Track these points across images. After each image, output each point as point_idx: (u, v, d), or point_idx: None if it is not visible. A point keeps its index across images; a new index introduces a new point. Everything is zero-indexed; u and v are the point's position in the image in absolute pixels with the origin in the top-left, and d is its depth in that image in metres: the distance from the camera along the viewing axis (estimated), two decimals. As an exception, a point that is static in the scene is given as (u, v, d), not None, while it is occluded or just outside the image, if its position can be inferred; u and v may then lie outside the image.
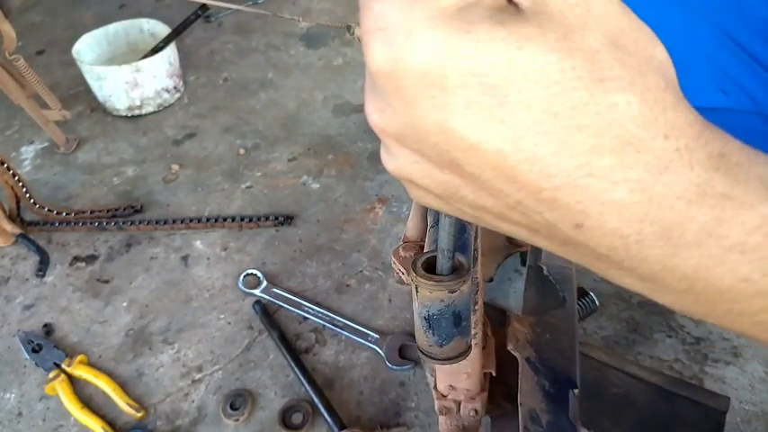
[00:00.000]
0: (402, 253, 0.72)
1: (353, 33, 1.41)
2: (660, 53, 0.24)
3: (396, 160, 0.27)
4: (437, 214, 0.62)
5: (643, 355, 1.00)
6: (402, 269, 0.71)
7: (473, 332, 0.54)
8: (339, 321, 1.08)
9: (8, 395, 1.01)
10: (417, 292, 0.47)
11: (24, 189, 1.27)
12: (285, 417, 0.95)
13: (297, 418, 0.95)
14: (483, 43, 0.22)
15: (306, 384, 0.97)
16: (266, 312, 1.10)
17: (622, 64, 0.22)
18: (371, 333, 1.05)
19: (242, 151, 1.52)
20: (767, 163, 0.24)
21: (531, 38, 0.22)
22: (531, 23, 0.22)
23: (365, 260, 1.21)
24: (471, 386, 0.67)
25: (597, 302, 1.03)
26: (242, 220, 1.29)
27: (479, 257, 0.64)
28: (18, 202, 1.29)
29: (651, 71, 0.23)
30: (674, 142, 0.23)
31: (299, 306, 1.11)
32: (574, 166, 0.23)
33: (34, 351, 1.05)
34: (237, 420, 0.95)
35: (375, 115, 0.26)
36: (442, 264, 0.46)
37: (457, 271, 0.46)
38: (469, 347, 0.52)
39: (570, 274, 0.85)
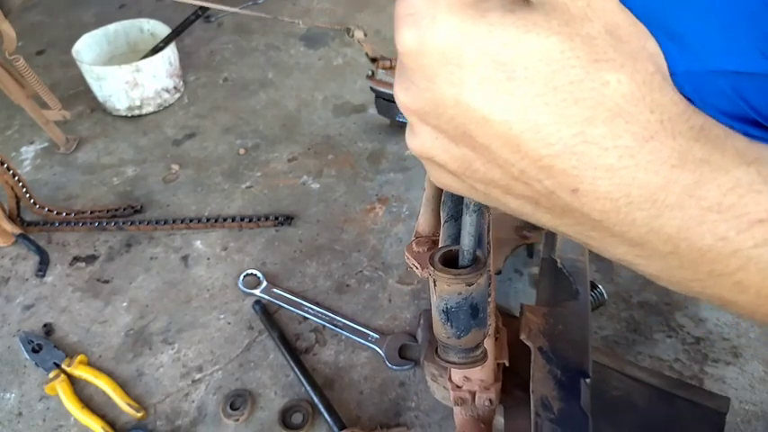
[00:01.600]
0: (415, 248, 0.73)
1: (353, 36, 1.41)
2: (651, 45, 0.28)
3: (418, 138, 0.31)
4: (452, 209, 0.62)
5: (643, 355, 1.00)
6: (416, 264, 0.72)
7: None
8: (339, 321, 1.08)
9: (8, 395, 1.01)
10: (435, 285, 0.48)
11: (24, 189, 1.27)
12: (285, 417, 0.95)
13: (297, 418, 0.95)
14: (495, 27, 0.25)
15: (306, 384, 0.97)
16: (266, 312, 1.10)
17: (616, 49, 0.26)
18: (371, 333, 1.05)
19: (242, 151, 1.52)
20: (742, 138, 0.27)
21: (536, 23, 0.25)
22: (537, 12, 0.26)
23: (365, 260, 1.20)
24: (485, 377, 0.68)
25: (606, 296, 1.05)
26: (242, 220, 1.29)
27: (491, 250, 0.64)
28: (18, 202, 1.29)
29: (642, 58, 0.27)
30: (658, 116, 0.26)
31: (299, 306, 1.11)
32: (570, 134, 0.26)
33: (34, 351, 1.05)
34: (237, 420, 0.95)
35: (402, 94, 0.30)
36: (461, 257, 0.47)
37: (474, 264, 0.47)
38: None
39: (583, 267, 0.88)
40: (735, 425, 0.91)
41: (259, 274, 1.17)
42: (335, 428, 0.91)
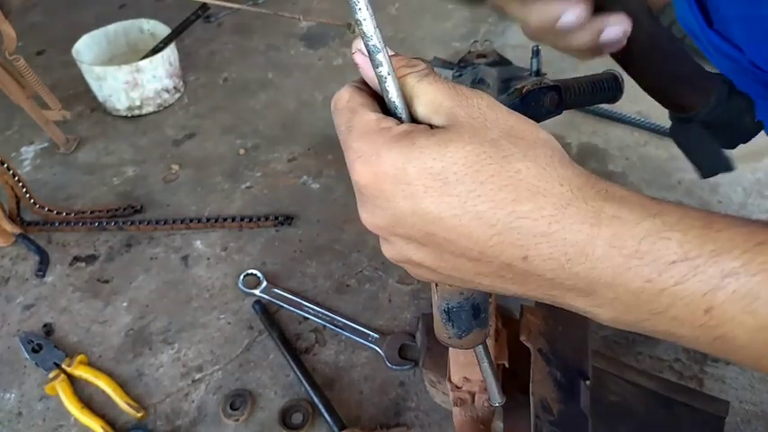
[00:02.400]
0: None
1: (354, 32, 1.41)
2: (543, 134, 0.36)
3: (393, 247, 0.38)
4: None
5: (643, 355, 1.00)
6: None
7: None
8: (339, 321, 1.08)
9: (8, 395, 1.01)
10: (437, 285, 0.50)
11: (24, 189, 1.27)
12: (285, 417, 0.95)
13: (297, 417, 0.95)
14: (424, 148, 0.33)
15: (306, 384, 0.97)
16: (266, 312, 1.10)
17: (516, 145, 0.34)
18: (371, 333, 1.05)
19: (242, 151, 1.52)
20: (642, 195, 0.34)
21: (452, 139, 0.33)
22: (450, 130, 0.34)
23: (365, 260, 1.21)
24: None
25: None
26: (242, 220, 1.29)
27: None
28: (18, 203, 1.29)
29: (538, 146, 0.34)
30: (567, 186, 0.33)
31: (299, 306, 1.11)
32: (505, 214, 0.32)
33: (34, 351, 1.05)
34: (237, 420, 0.95)
35: (369, 218, 0.37)
36: None
37: None
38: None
39: None
40: (735, 425, 0.91)
41: (259, 274, 1.17)
42: (335, 428, 0.91)
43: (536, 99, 0.57)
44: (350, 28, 1.42)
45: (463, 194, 0.33)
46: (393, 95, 0.37)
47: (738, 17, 0.55)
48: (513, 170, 0.33)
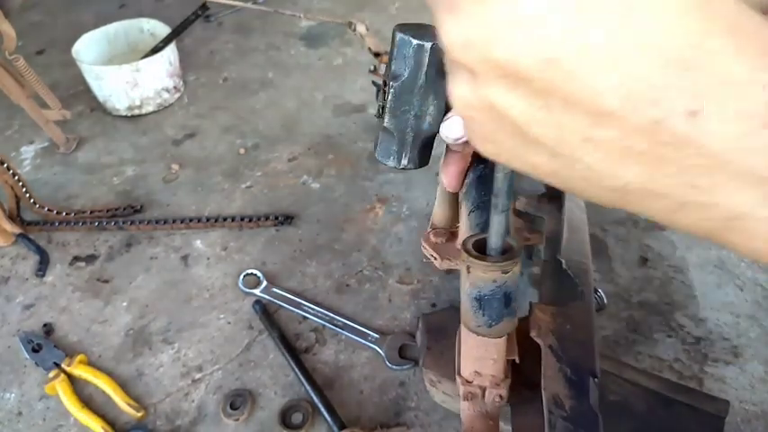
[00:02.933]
0: (433, 239, 0.72)
1: (354, 30, 1.41)
2: None
3: (476, 83, 0.27)
4: (476, 199, 0.62)
5: (643, 355, 1.00)
6: (434, 254, 0.70)
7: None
8: (339, 321, 1.08)
9: (8, 395, 1.01)
10: (469, 272, 0.48)
11: (24, 189, 1.27)
12: (285, 416, 0.95)
13: (297, 417, 0.95)
14: None
15: (306, 384, 0.97)
16: (266, 312, 1.10)
17: None
18: (371, 333, 1.05)
19: (242, 151, 1.52)
20: None
21: None
22: None
23: (365, 260, 1.20)
24: (497, 372, 0.67)
25: (606, 300, 1.06)
26: (242, 219, 1.29)
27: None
28: (18, 202, 1.29)
29: None
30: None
31: (298, 306, 1.11)
32: (688, 45, 0.22)
33: (34, 351, 1.05)
34: (237, 420, 0.95)
35: (462, 32, 0.25)
36: (495, 245, 0.47)
37: (508, 252, 0.46)
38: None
39: (587, 269, 0.86)
40: (735, 425, 0.91)
41: (259, 274, 1.17)
42: (335, 428, 0.91)
43: None
44: (350, 26, 1.42)
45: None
46: None
47: None
48: None
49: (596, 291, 1.02)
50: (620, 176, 0.25)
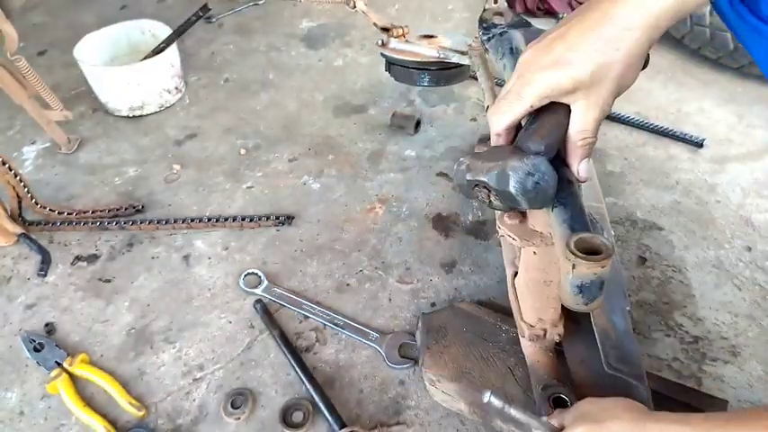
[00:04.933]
0: (508, 221, 0.78)
1: (354, 7, 1.43)
2: None
3: None
4: (564, 193, 0.66)
5: (642, 355, 1.01)
6: (513, 235, 0.77)
7: None
8: (339, 320, 1.08)
9: (10, 394, 1.02)
10: (574, 268, 0.58)
11: (26, 189, 1.28)
12: (286, 415, 0.95)
13: (297, 416, 0.95)
14: None
15: (306, 383, 0.98)
16: (267, 311, 1.10)
17: None
18: (371, 332, 1.06)
19: (243, 151, 1.52)
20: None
21: None
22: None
23: (365, 260, 1.21)
24: (555, 316, 0.83)
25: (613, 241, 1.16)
26: (243, 219, 1.30)
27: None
28: (20, 202, 1.29)
29: None
30: None
31: (299, 305, 1.12)
32: None
33: (36, 350, 1.06)
34: (238, 419, 0.95)
35: None
36: (593, 244, 0.59)
37: (605, 251, 0.57)
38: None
39: (604, 213, 1.08)
40: (733, 423, 0.91)
41: (260, 274, 1.17)
42: (336, 427, 0.92)
43: None
44: (349, 3, 1.43)
45: None
46: None
47: None
48: None
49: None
50: None
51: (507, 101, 0.65)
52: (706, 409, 0.85)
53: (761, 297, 1.10)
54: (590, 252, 0.58)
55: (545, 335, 0.85)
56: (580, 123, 0.63)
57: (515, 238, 0.76)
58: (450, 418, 0.94)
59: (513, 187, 0.61)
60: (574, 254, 0.58)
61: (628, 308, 0.88)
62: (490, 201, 0.64)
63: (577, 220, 0.61)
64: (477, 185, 0.64)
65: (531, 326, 0.85)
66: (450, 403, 0.94)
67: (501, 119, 0.66)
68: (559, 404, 0.79)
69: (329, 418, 0.93)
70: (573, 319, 0.88)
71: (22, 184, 1.26)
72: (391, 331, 1.07)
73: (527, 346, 0.88)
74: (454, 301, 1.10)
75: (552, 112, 0.65)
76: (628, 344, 0.84)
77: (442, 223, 1.29)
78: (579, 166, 0.65)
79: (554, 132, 0.64)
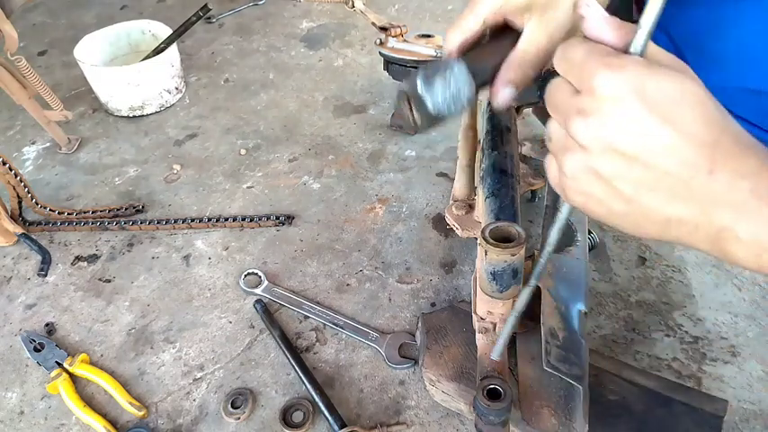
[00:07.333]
0: (455, 211, 0.87)
1: (353, 6, 1.44)
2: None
3: (589, 158, 0.42)
4: (491, 186, 0.72)
5: (641, 355, 1.01)
6: (456, 224, 0.84)
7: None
8: (339, 320, 1.08)
9: (10, 394, 1.02)
10: (486, 255, 0.60)
11: (26, 189, 1.28)
12: (286, 415, 0.95)
13: (297, 416, 0.95)
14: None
15: (306, 383, 0.98)
16: (267, 311, 1.10)
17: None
18: (371, 332, 1.06)
19: (243, 151, 1.52)
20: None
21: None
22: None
23: (365, 260, 1.21)
24: (504, 311, 0.83)
25: (598, 240, 1.16)
26: (243, 219, 1.30)
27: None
28: (20, 202, 1.29)
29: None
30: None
31: (299, 305, 1.12)
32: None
33: (36, 350, 1.06)
34: (239, 419, 0.95)
35: (589, 128, 0.42)
36: (509, 233, 0.60)
37: (516, 239, 0.59)
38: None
39: (583, 216, 1.04)
40: (733, 424, 0.91)
41: (260, 274, 1.17)
42: (336, 427, 0.92)
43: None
44: (348, 3, 1.45)
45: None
46: None
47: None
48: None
49: (590, 232, 1.08)
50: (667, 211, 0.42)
51: (462, 16, 0.62)
52: (706, 409, 0.85)
53: (761, 297, 1.10)
54: (504, 240, 0.59)
55: (494, 328, 0.85)
56: (522, 43, 0.58)
57: (458, 227, 0.81)
58: (450, 418, 0.94)
59: (420, 86, 0.56)
60: (486, 240, 0.60)
61: (584, 309, 0.86)
62: (412, 115, 0.60)
63: (505, 210, 0.63)
64: (401, 99, 0.59)
65: (482, 318, 0.85)
66: (450, 403, 0.94)
67: (453, 35, 0.62)
68: (494, 396, 0.76)
69: (329, 417, 0.93)
70: (531, 317, 0.87)
71: (23, 184, 1.27)
72: (391, 331, 1.07)
73: (478, 338, 0.88)
74: (454, 301, 1.10)
75: (503, 37, 0.60)
76: (573, 344, 0.82)
77: (442, 223, 1.29)
78: (497, 88, 0.59)
79: (496, 54, 0.59)
